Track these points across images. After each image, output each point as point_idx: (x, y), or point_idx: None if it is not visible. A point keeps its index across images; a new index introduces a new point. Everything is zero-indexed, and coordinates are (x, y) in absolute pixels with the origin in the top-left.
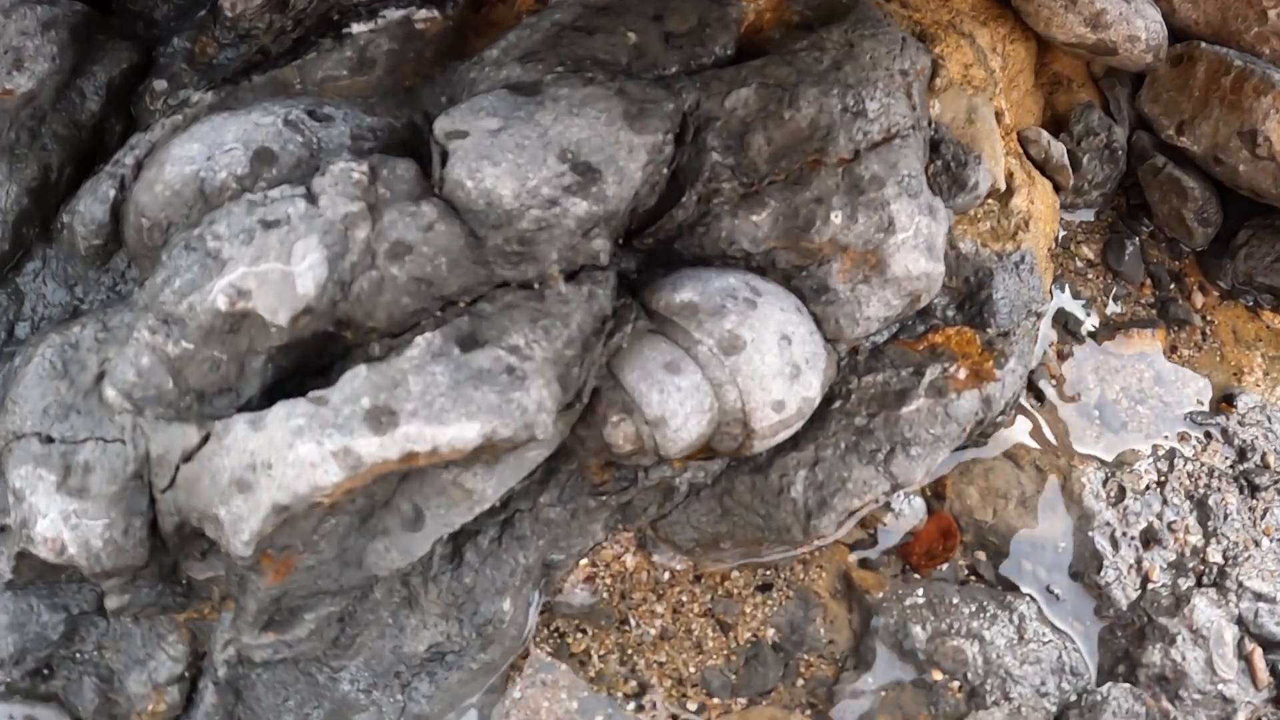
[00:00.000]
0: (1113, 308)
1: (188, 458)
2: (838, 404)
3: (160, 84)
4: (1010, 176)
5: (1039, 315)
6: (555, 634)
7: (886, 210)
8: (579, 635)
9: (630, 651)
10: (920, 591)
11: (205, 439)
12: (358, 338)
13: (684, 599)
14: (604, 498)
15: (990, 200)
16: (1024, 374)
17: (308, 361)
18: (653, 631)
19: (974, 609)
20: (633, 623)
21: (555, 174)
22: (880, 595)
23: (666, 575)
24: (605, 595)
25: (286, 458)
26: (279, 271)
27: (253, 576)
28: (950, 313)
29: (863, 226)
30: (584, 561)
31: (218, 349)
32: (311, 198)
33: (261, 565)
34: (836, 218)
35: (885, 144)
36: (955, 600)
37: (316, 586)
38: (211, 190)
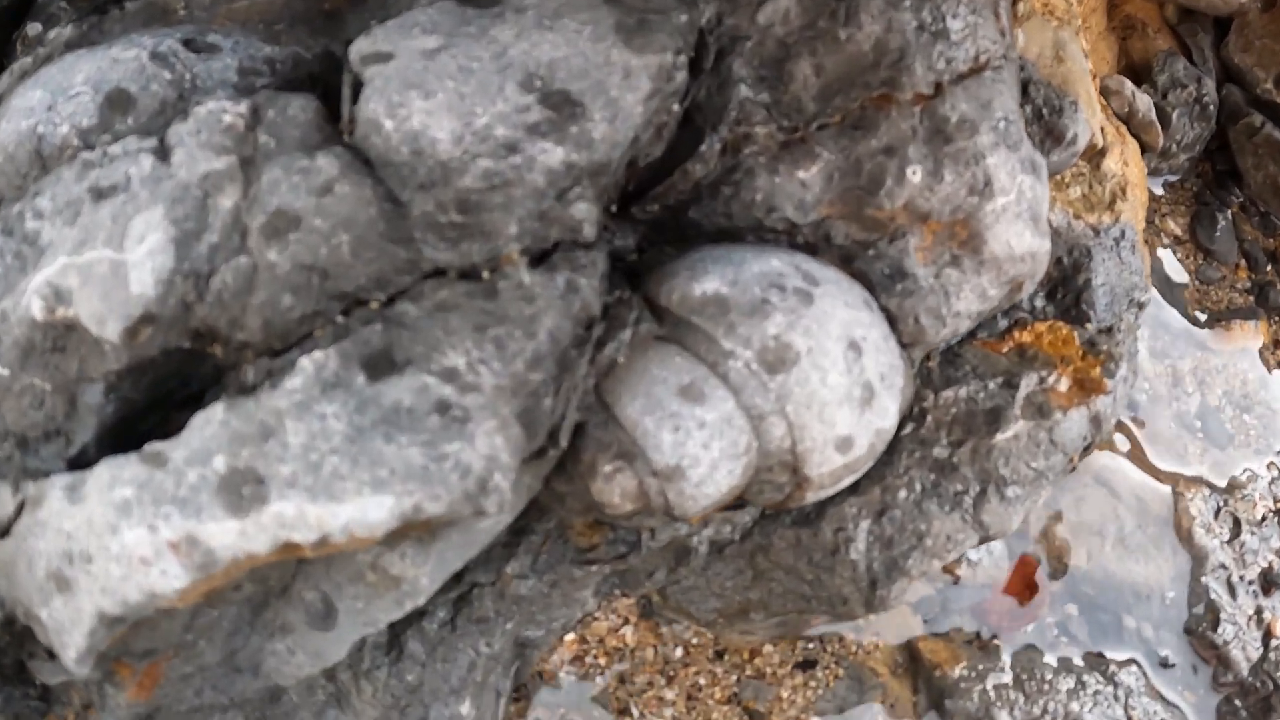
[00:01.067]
0: (1208, 293)
1: (4, 531)
2: (910, 428)
3: (34, 27)
4: (1101, 132)
5: (1141, 305)
6: None
7: (982, 165)
8: None
9: None
10: (1005, 664)
11: (22, 506)
12: (229, 356)
13: (702, 681)
14: (594, 567)
15: (1079, 161)
16: (1134, 382)
17: (167, 390)
18: None
19: (1071, 685)
20: (635, 713)
21: (516, 108)
22: (955, 672)
23: (679, 651)
24: (599, 679)
25: (109, 548)
26: (108, 261)
27: (110, 690)
28: (1039, 303)
29: (950, 187)
30: (570, 636)
31: (39, 375)
32: (164, 152)
33: (118, 677)
34: (914, 174)
35: (974, 76)
36: (1048, 675)
37: (199, 700)
38: (50, 150)
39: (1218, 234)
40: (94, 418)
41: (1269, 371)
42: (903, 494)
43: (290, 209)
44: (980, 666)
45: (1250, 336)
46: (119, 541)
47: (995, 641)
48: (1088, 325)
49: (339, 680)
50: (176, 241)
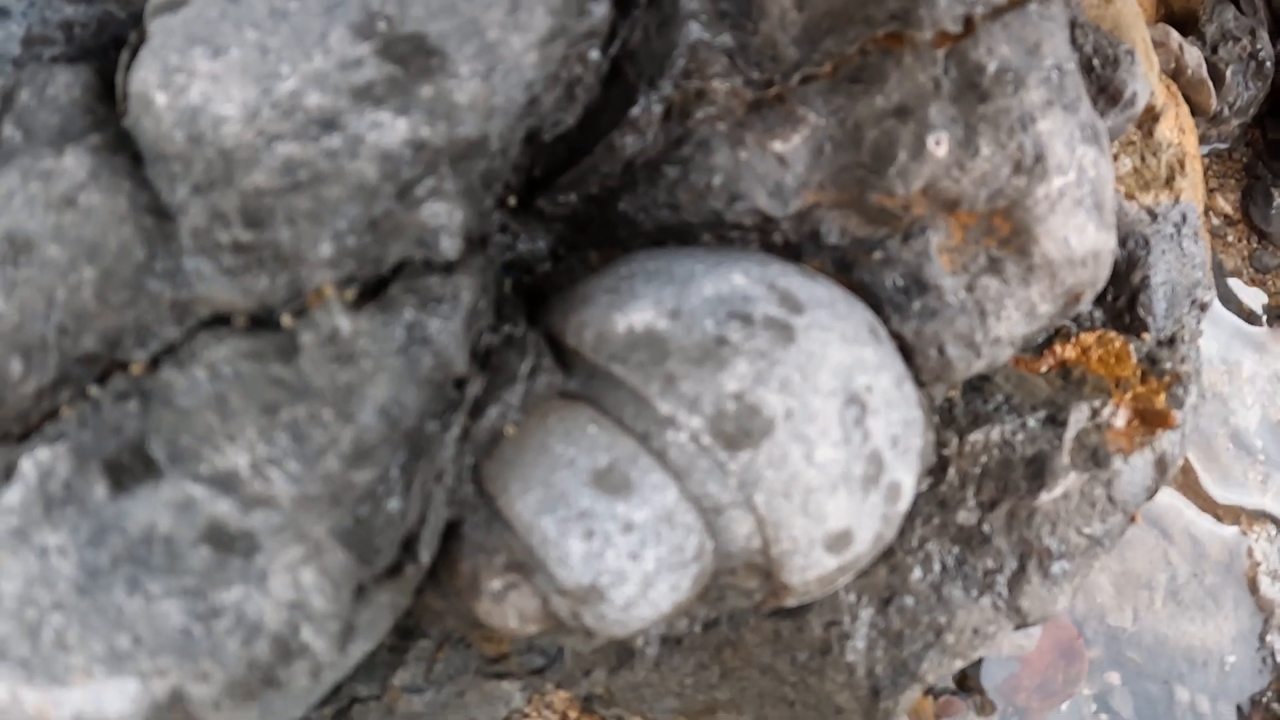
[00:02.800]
0: (1264, 284)
1: None
2: (926, 484)
3: None
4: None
5: (1204, 307)
6: None
7: (1030, 132)
8: None
9: None
10: None
11: None
12: None
13: None
14: (505, 680)
15: (1130, 127)
16: (1202, 408)
17: None
18: None
19: None
20: None
21: (342, 63)
22: None
23: None
24: None
25: None
26: None
27: None
28: (1084, 307)
29: (988, 163)
30: None
31: None
32: None
33: None
34: (938, 145)
35: (1016, 9)
36: None
37: None
38: None
39: (1273, 213)
40: None
41: None
42: (916, 574)
43: (22, 232)
44: None
45: None
46: None
47: None
48: (1145, 335)
49: None
50: None
